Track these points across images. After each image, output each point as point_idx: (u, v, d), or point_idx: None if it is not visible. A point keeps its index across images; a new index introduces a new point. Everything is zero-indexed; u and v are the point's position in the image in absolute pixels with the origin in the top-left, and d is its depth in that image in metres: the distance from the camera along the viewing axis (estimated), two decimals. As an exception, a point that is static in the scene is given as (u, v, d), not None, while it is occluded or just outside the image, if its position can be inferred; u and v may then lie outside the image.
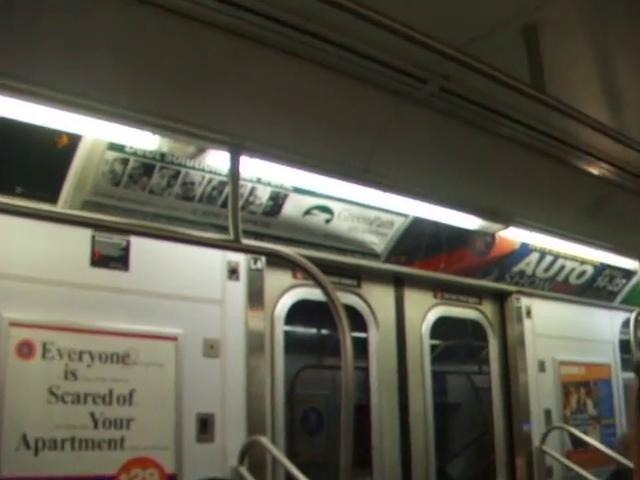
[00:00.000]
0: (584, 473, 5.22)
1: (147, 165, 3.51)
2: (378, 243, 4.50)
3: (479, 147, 3.99)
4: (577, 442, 5.59)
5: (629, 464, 4.83)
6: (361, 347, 4.68)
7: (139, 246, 3.72)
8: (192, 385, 3.80)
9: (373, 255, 4.56)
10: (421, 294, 5.14)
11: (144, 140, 3.15)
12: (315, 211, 4.10)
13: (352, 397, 3.20)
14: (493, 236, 5.00)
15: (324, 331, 4.99)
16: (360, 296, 4.76)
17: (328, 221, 4.20)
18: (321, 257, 4.25)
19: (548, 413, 5.61)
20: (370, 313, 4.78)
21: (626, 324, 5.46)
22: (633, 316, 4.95)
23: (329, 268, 4.25)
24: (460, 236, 4.82)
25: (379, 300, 4.85)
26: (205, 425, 3.84)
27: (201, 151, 3.39)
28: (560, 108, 3.33)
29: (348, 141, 3.57)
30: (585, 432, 5.75)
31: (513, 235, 5.02)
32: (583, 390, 5.98)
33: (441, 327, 5.25)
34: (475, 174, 4.19)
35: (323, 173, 3.62)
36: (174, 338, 3.78)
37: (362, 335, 4.74)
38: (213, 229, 3.82)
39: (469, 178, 4.19)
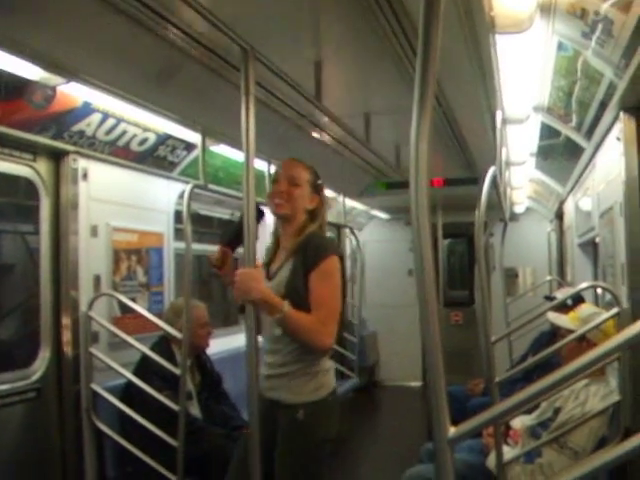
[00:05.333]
0: (128, 338, 5.30)
1: None
2: None
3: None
4: (126, 308, 5.63)
5: (175, 332, 5.04)
6: None
7: None
8: None
9: None
10: (-32, 145, 4.59)
11: None
12: None
13: None
14: (54, 90, 4.61)
15: None
16: None
17: None
18: None
19: (98, 279, 5.54)
20: None
21: (182, 195, 5.56)
22: (188, 189, 5.06)
23: None
24: (18, 85, 4.35)
25: None
26: None
27: None
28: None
29: None
30: (134, 299, 5.83)
31: (75, 92, 4.72)
32: (135, 257, 6.01)
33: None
34: (41, 23, 3.75)
35: None
36: None
37: None
38: None
39: (34, 25, 3.74)
